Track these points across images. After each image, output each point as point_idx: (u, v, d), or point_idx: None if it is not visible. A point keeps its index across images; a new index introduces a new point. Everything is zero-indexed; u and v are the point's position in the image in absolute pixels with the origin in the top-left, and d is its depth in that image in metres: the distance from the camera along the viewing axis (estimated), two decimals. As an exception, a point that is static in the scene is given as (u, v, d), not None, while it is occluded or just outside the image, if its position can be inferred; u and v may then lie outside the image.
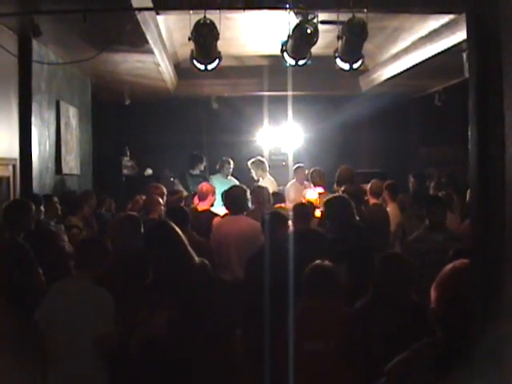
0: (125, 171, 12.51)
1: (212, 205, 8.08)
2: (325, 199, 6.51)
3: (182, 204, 7.95)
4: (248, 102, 13.47)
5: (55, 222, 7.08)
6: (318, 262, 4.63)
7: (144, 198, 8.19)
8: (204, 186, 8.26)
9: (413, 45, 9.52)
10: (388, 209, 7.96)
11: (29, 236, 5.63)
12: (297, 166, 10.95)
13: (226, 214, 7.43)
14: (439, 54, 8.74)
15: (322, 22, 7.33)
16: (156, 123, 13.85)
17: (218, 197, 8.33)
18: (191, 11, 6.87)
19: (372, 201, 8.03)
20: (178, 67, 11.48)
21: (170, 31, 9.27)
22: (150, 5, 7.08)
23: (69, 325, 4.31)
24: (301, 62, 7.43)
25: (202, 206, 7.91)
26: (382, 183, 8.56)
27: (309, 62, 7.45)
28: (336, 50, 7.26)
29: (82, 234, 7.42)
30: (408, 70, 10.21)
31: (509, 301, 1.54)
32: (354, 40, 6.97)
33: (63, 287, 4.56)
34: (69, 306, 4.37)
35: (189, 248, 4.58)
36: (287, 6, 6.84)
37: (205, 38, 6.87)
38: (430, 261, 5.42)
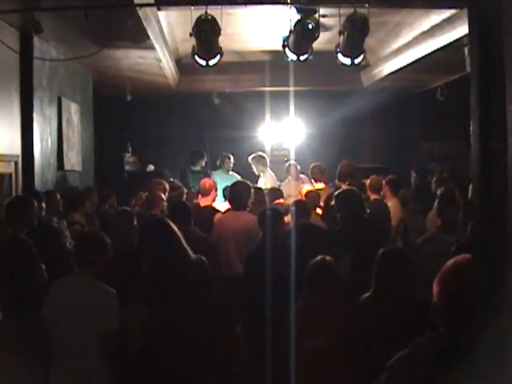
0: (127, 167, 12.52)
1: (214, 201, 8.09)
2: (336, 193, 6.49)
3: (183, 200, 7.97)
4: (250, 97, 13.47)
5: (57, 218, 7.09)
6: (318, 257, 4.63)
7: (148, 193, 8.18)
8: (207, 181, 8.27)
9: (414, 40, 9.50)
10: (389, 204, 7.94)
11: (31, 232, 5.64)
12: (288, 163, 11.00)
13: (227, 210, 7.44)
14: (441, 48, 8.72)
15: (324, 16, 7.33)
16: (158, 119, 13.85)
17: (220, 192, 8.37)
18: (192, 7, 6.86)
19: (372, 196, 8.02)
20: (179, 63, 11.47)
21: (171, 27, 9.26)
22: (152, 1, 7.07)
23: (71, 322, 4.31)
24: (302, 58, 7.42)
25: (204, 202, 7.91)
26: (382, 178, 8.55)
27: (310, 58, 7.44)
28: (337, 45, 7.25)
29: (85, 230, 7.43)
30: (410, 64, 10.18)
31: (510, 296, 1.54)
32: (355, 35, 6.97)
33: (65, 284, 4.56)
34: (71, 303, 4.37)
35: (184, 245, 4.58)
36: (288, 1, 6.84)
37: (206, 33, 6.86)
38: (440, 262, 5.37)
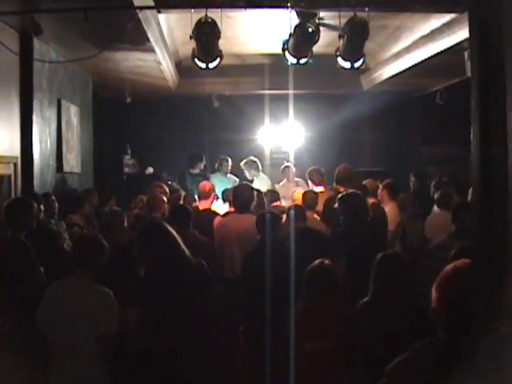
0: (126, 169, 12.52)
1: (212, 203, 8.08)
2: (340, 195, 6.49)
3: (181, 202, 7.96)
4: (249, 100, 13.46)
5: (56, 220, 7.08)
6: (317, 261, 4.63)
7: (148, 196, 8.15)
8: (206, 184, 8.27)
9: (414, 44, 9.51)
10: (387, 208, 7.91)
11: (29, 234, 5.63)
12: (284, 165, 11.01)
13: (226, 213, 7.43)
14: (441, 52, 8.73)
15: (322, 25, 7.33)
16: (157, 121, 13.84)
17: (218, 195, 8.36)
18: (192, 10, 6.86)
19: (370, 200, 8.00)
20: (179, 65, 11.47)
21: (171, 29, 9.26)
22: (152, 3, 7.07)
23: (69, 324, 4.30)
24: (302, 61, 7.42)
25: (203, 205, 7.90)
26: (377, 182, 8.54)
27: (310, 61, 7.44)
28: (337, 49, 7.25)
29: (83, 233, 7.43)
30: (409, 68, 10.19)
31: (510, 301, 1.54)
32: (355, 39, 6.97)
33: (63, 286, 4.56)
34: (69, 305, 4.36)
35: (183, 247, 4.56)
36: (288, 4, 6.84)
37: (206, 36, 6.86)
38: None
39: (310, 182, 8.84)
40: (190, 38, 6.90)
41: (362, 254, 5.21)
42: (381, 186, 8.31)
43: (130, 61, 9.51)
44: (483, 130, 1.57)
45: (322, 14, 7.20)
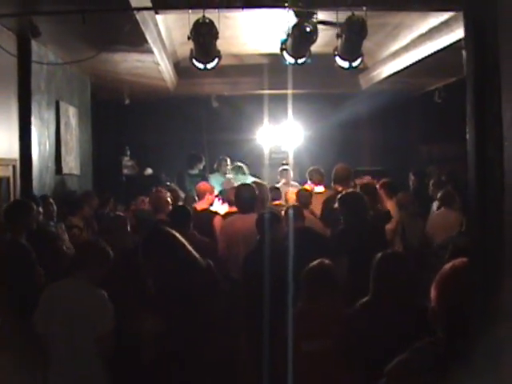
0: (125, 171, 12.51)
1: (211, 204, 8.07)
2: (340, 195, 6.50)
3: (181, 203, 7.96)
4: (248, 100, 13.46)
5: (55, 222, 7.08)
6: (316, 261, 4.62)
7: (152, 197, 8.07)
8: (201, 185, 8.29)
9: (412, 42, 9.51)
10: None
11: (29, 237, 5.63)
12: (282, 168, 11.02)
13: (227, 213, 7.43)
14: (439, 51, 8.72)
15: (321, 23, 7.32)
16: (156, 122, 13.84)
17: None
18: (190, 10, 6.86)
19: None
20: (177, 66, 11.47)
21: (169, 30, 9.26)
22: (149, 4, 7.06)
23: (66, 325, 4.31)
24: (300, 61, 7.41)
25: (200, 206, 7.90)
26: (373, 181, 8.56)
27: (308, 61, 7.43)
28: (335, 49, 7.25)
29: (82, 235, 7.43)
30: (408, 67, 10.19)
31: (507, 301, 1.54)
32: (353, 38, 6.96)
33: (60, 288, 4.56)
34: (66, 307, 4.37)
35: (190, 250, 4.55)
36: (286, 4, 6.83)
37: (204, 37, 6.86)
38: None
39: (309, 182, 8.83)
40: (188, 38, 6.90)
41: (363, 254, 5.21)
42: (378, 185, 8.32)
43: (129, 62, 9.51)
44: (478, 130, 1.57)
45: (319, 13, 7.17)
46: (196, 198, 8.39)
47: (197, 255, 4.54)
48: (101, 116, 12.35)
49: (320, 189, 8.47)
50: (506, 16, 1.44)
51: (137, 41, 7.88)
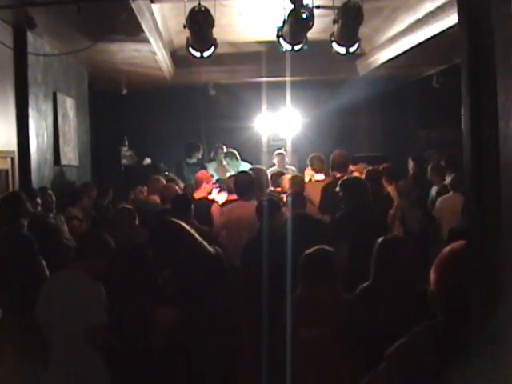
0: (123, 161, 12.50)
1: (210, 193, 8.07)
2: (341, 180, 6.50)
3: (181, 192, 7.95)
4: (245, 88, 13.43)
5: (54, 214, 7.09)
6: (313, 248, 4.62)
7: (161, 188, 8.04)
8: (199, 173, 8.31)
9: (409, 27, 9.47)
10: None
11: (29, 228, 5.64)
12: (277, 152, 11.02)
13: (226, 201, 7.43)
14: (436, 35, 8.69)
15: (318, 7, 7.30)
16: (154, 112, 13.83)
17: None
18: (186, -1, 6.85)
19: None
20: (174, 55, 11.44)
21: (165, 19, 9.23)
22: (144, -7, 7.06)
23: (62, 316, 4.32)
24: (297, 47, 7.40)
25: (198, 194, 7.91)
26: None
27: (305, 47, 7.42)
28: (332, 34, 7.23)
29: (82, 226, 7.43)
30: (405, 52, 10.16)
31: (506, 284, 1.54)
32: (349, 23, 6.95)
33: (58, 279, 4.58)
34: (62, 298, 4.38)
35: (200, 240, 4.54)
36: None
37: (200, 25, 6.85)
38: None
39: (310, 169, 8.77)
40: (184, 26, 6.89)
41: (363, 239, 5.22)
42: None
43: (125, 52, 9.48)
44: (474, 114, 1.57)
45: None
46: (195, 187, 8.38)
47: (206, 244, 4.55)
48: (98, 106, 12.34)
49: (320, 176, 8.41)
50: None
51: (133, 30, 7.86)
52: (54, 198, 7.28)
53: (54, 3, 6.70)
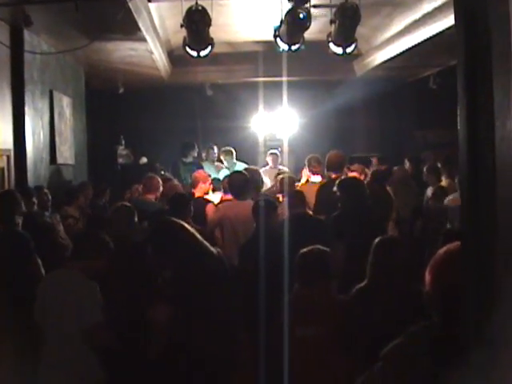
0: (120, 160, 12.50)
1: (206, 192, 8.05)
2: (339, 180, 6.49)
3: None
4: (242, 88, 13.44)
5: (50, 212, 7.08)
6: (308, 248, 4.61)
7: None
8: (196, 173, 8.31)
9: (406, 28, 9.48)
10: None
11: (24, 227, 5.62)
12: (270, 151, 11.04)
13: (221, 201, 7.42)
14: (433, 37, 8.70)
15: (315, 6, 7.30)
16: (150, 111, 13.81)
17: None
18: (183, -2, 6.85)
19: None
20: (171, 54, 11.44)
21: (162, 18, 9.23)
22: (142, -8, 7.05)
23: (59, 315, 4.31)
24: (294, 47, 7.40)
25: (194, 194, 7.90)
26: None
27: (302, 47, 7.42)
28: (329, 35, 7.23)
29: (77, 225, 7.42)
30: (402, 53, 10.17)
31: (502, 285, 1.54)
32: (346, 24, 6.95)
33: (53, 278, 4.57)
34: (57, 297, 4.38)
35: (202, 240, 4.53)
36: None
37: (197, 24, 6.85)
38: None
39: (307, 170, 8.70)
40: (181, 26, 6.89)
41: (360, 239, 5.22)
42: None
43: (122, 51, 9.48)
44: (470, 114, 1.57)
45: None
46: (192, 186, 8.37)
47: (207, 244, 4.53)
48: (95, 105, 12.32)
49: (317, 178, 8.30)
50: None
51: (130, 29, 7.86)
52: (49, 197, 7.27)
53: (51, 1, 6.69)
